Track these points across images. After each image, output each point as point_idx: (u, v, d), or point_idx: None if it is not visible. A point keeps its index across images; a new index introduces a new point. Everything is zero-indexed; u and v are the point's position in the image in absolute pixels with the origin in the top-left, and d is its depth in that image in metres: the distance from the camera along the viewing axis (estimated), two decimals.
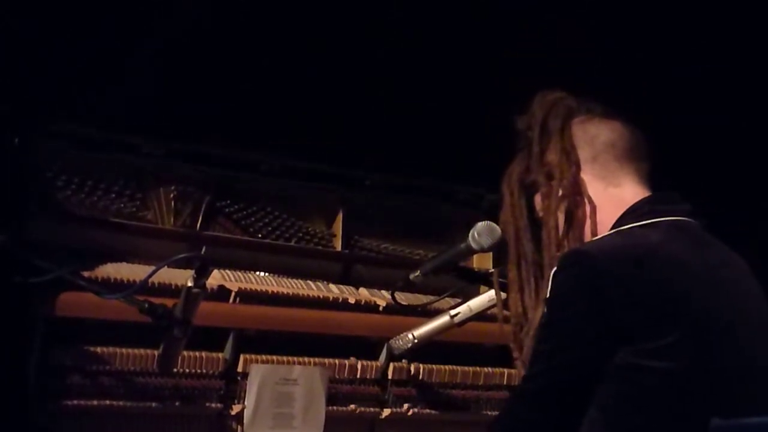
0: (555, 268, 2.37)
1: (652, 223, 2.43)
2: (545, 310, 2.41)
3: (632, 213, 2.46)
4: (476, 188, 3.77)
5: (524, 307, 2.57)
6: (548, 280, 2.43)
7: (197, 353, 3.06)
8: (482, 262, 3.72)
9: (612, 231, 2.45)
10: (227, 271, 3.25)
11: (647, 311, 2.26)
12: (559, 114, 2.58)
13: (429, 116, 4.11)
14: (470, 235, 3.00)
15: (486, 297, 3.12)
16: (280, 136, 3.68)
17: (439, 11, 4.16)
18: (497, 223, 2.84)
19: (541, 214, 2.57)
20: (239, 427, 3.12)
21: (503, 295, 2.76)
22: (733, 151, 4.44)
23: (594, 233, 2.49)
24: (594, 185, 2.53)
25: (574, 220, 2.52)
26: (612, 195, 2.51)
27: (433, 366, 3.47)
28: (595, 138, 2.55)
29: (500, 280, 2.80)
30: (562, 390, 2.32)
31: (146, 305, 2.64)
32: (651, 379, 2.24)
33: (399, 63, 4.08)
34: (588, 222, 2.51)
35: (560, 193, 2.53)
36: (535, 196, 2.59)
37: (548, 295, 2.38)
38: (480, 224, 3.00)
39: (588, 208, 2.52)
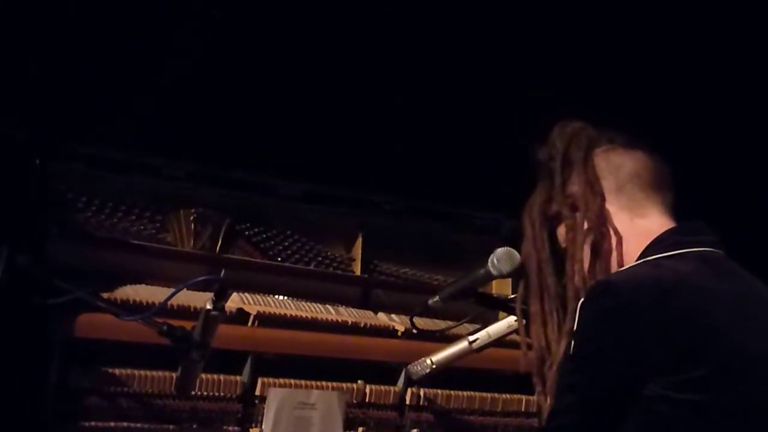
0: (582, 300, 2.32)
1: (678, 254, 2.38)
2: (572, 341, 2.36)
3: (658, 244, 2.41)
4: (495, 214, 3.76)
5: (548, 340, 2.54)
6: (572, 313, 2.39)
7: (215, 376, 3.06)
8: (501, 288, 3.71)
9: (639, 262, 2.41)
10: (246, 294, 3.25)
11: (675, 343, 2.21)
12: (581, 144, 2.54)
13: (449, 142, 4.11)
14: (489, 260, 2.97)
15: (505, 323, 3.10)
16: (301, 160, 3.69)
17: (459, 36, 4.17)
18: (516, 249, 2.82)
19: (565, 246, 2.52)
20: None
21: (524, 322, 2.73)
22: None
23: (620, 264, 2.45)
24: (619, 216, 2.49)
25: (600, 252, 2.47)
26: (638, 226, 2.47)
27: (451, 392, 3.47)
28: (619, 168, 2.51)
29: (522, 307, 2.75)
30: (592, 423, 2.28)
31: (165, 327, 2.63)
32: (680, 412, 2.20)
33: (419, 89, 4.09)
34: (614, 254, 2.46)
35: (586, 225, 2.48)
36: (557, 227, 2.55)
37: (575, 327, 2.33)
38: (499, 250, 2.97)
39: (614, 240, 2.47)
